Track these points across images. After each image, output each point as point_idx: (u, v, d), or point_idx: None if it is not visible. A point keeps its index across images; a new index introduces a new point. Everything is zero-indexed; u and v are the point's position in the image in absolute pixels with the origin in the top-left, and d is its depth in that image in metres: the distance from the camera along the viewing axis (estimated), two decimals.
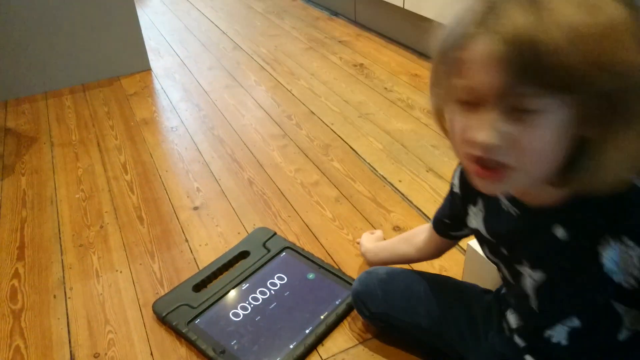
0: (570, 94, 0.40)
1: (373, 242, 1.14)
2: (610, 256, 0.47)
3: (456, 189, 0.71)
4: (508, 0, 0.41)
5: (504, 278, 0.67)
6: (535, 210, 0.54)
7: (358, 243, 1.18)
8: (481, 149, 0.46)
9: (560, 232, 0.51)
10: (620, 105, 0.41)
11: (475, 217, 0.67)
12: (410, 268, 1.07)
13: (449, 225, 0.81)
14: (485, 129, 0.45)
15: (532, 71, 0.40)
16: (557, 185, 0.48)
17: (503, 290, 0.75)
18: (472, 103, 0.46)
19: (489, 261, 0.72)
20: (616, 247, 0.47)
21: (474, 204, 0.67)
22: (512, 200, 0.57)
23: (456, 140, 0.51)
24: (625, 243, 0.46)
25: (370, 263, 1.11)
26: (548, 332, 0.58)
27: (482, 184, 0.50)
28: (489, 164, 0.47)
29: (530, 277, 0.57)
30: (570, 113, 0.42)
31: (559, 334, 0.57)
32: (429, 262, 1.18)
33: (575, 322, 0.55)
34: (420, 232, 0.96)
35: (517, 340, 0.67)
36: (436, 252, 0.94)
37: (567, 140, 0.44)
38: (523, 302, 0.60)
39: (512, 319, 0.68)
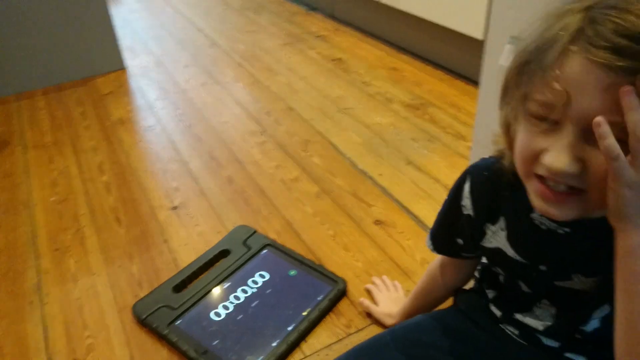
0: None
1: (393, 303, 1.01)
2: None
3: (467, 211, 0.64)
4: (604, 13, 0.40)
5: (506, 286, 0.66)
6: (587, 223, 0.52)
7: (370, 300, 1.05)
8: (556, 175, 0.44)
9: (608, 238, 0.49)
10: None
11: (494, 236, 0.63)
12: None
13: (463, 248, 0.71)
14: (564, 154, 0.43)
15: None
16: None
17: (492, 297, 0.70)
18: (548, 120, 0.44)
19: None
20: None
21: (493, 222, 0.62)
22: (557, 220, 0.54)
23: (523, 156, 0.48)
24: None
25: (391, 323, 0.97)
26: (583, 326, 0.58)
27: (545, 207, 0.48)
28: (558, 188, 0.45)
29: (580, 282, 0.56)
30: None
31: (592, 324, 0.57)
32: (410, 254, 1.18)
33: (607, 309, 0.56)
34: (434, 268, 0.84)
35: (548, 342, 0.63)
36: (460, 273, 0.79)
37: None
38: (563, 301, 0.59)
39: (534, 322, 0.63)
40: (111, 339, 1.05)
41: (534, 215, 0.57)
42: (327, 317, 1.05)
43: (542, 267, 0.59)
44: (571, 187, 0.45)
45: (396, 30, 2.29)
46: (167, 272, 1.19)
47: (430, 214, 1.30)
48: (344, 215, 1.32)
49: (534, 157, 0.47)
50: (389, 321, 0.98)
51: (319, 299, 1.07)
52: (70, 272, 1.23)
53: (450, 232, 0.70)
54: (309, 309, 1.05)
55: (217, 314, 1.06)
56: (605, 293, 0.53)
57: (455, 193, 0.67)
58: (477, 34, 1.73)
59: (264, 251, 1.21)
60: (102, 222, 1.38)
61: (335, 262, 1.18)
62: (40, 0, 2.03)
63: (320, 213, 1.34)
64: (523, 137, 0.48)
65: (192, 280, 1.15)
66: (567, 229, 0.55)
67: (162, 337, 1.02)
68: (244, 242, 1.23)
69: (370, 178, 1.45)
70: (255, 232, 1.26)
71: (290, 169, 1.53)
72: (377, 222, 1.29)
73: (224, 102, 1.96)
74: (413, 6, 2.02)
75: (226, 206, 1.39)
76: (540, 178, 0.47)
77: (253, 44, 2.48)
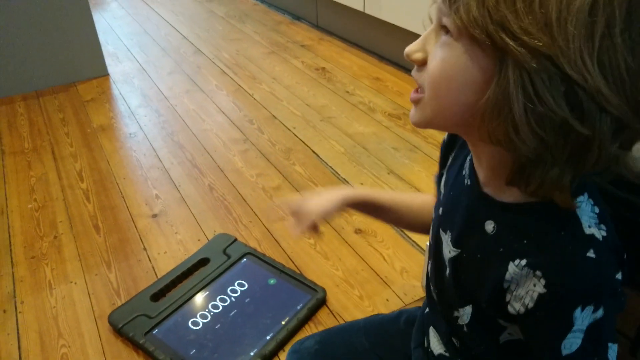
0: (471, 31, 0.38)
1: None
2: (516, 278, 0.44)
3: (446, 137, 0.62)
4: None
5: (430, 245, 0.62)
6: (482, 195, 0.50)
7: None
8: (406, 57, 0.45)
9: (489, 226, 0.48)
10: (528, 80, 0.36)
11: (447, 168, 0.61)
12: (343, 322, 1.00)
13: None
14: (415, 42, 0.44)
15: None
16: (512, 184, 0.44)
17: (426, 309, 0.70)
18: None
19: None
20: (526, 275, 0.44)
21: (452, 150, 0.61)
22: (472, 169, 0.52)
23: None
24: (536, 276, 0.43)
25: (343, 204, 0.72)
26: (456, 313, 0.56)
27: (411, 110, 0.48)
28: (416, 87, 0.46)
29: (447, 245, 0.54)
30: (486, 61, 0.38)
31: (462, 318, 0.55)
32: (390, 263, 1.19)
33: (467, 314, 0.53)
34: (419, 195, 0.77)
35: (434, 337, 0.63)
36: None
37: (480, 93, 0.39)
38: (440, 270, 0.57)
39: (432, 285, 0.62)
40: (86, 348, 1.03)
41: (466, 164, 0.54)
42: (306, 326, 1.05)
43: (439, 211, 0.58)
44: (421, 88, 0.45)
45: (380, 40, 2.31)
46: (146, 281, 1.18)
47: None
48: (324, 224, 1.32)
49: None
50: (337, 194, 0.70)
51: (298, 307, 1.07)
52: (47, 280, 1.21)
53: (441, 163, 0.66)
54: (287, 318, 1.04)
55: (195, 323, 1.05)
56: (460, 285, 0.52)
57: None
58: None
59: (244, 260, 1.20)
60: (80, 229, 1.36)
61: (315, 271, 1.18)
62: (21, 5, 2.01)
63: None
64: None
65: (170, 289, 1.14)
66: (469, 181, 0.52)
67: (138, 347, 1.01)
68: (224, 251, 1.22)
69: (352, 187, 1.46)
70: (235, 240, 1.26)
71: (272, 177, 1.53)
72: (358, 231, 1.29)
73: (207, 110, 1.96)
74: (396, 17, 2.04)
75: (207, 214, 1.39)
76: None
77: (237, 52, 2.49)
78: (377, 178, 1.49)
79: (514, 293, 0.45)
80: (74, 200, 1.48)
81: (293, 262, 1.21)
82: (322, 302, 1.09)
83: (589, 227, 0.43)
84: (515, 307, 0.45)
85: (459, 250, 0.53)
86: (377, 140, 1.68)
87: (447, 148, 0.61)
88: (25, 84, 2.15)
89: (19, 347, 1.04)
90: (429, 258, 0.62)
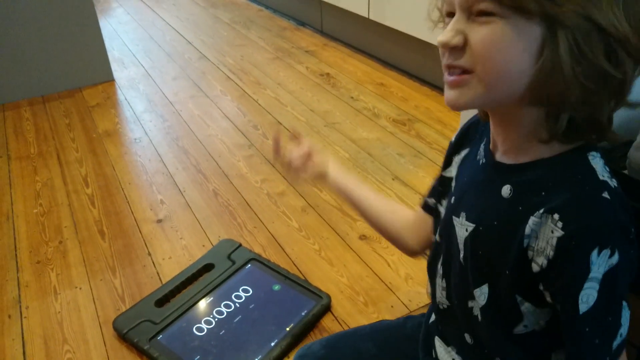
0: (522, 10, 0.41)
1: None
2: (535, 228, 0.47)
3: (453, 139, 0.65)
4: None
5: (436, 247, 0.63)
6: (497, 164, 0.53)
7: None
8: (441, 50, 0.47)
9: (506, 190, 0.50)
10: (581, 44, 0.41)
11: (454, 167, 0.64)
12: (347, 328, 0.95)
13: (435, 191, 0.68)
14: (447, 30, 0.46)
15: None
16: (544, 140, 0.47)
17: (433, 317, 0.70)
18: (450, 14, 0.47)
19: None
20: (544, 222, 0.46)
21: (458, 152, 0.63)
22: (487, 149, 0.55)
23: (440, 54, 0.50)
24: (554, 219, 0.45)
25: (327, 182, 0.78)
26: (470, 303, 0.56)
27: (447, 95, 0.49)
28: (454, 72, 0.47)
29: (462, 227, 0.55)
30: (535, 31, 0.42)
31: (475, 307, 0.56)
32: (394, 270, 1.19)
33: (484, 295, 0.54)
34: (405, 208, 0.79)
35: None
36: (413, 233, 0.74)
37: (532, 59, 0.43)
38: (454, 260, 0.58)
39: (439, 288, 0.62)
40: (91, 354, 1.03)
41: (480, 150, 0.57)
42: (311, 332, 1.05)
43: (451, 200, 0.59)
44: (462, 69, 0.47)
45: (384, 46, 2.32)
46: (150, 286, 1.18)
47: None
48: (329, 229, 1.32)
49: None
50: (328, 174, 0.77)
51: (302, 314, 1.06)
52: (52, 285, 1.21)
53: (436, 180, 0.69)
54: (292, 324, 1.04)
55: (200, 329, 1.05)
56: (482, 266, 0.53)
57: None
58: None
59: (248, 265, 1.20)
60: (85, 234, 1.36)
61: (320, 277, 1.18)
62: (28, 11, 2.03)
63: (305, 227, 1.34)
64: None
65: (175, 294, 1.14)
66: (484, 159, 0.55)
67: (143, 352, 1.01)
68: (229, 256, 1.22)
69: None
70: (240, 246, 1.26)
71: (277, 183, 1.53)
72: (362, 237, 1.29)
73: (212, 115, 1.96)
74: (401, 23, 2.05)
75: (211, 220, 1.39)
76: (446, 69, 0.48)
77: (242, 57, 2.50)
78: (382, 184, 1.49)
79: (535, 248, 0.47)
80: (79, 205, 1.48)
81: (298, 268, 1.21)
82: (326, 309, 1.09)
83: (603, 175, 0.46)
84: (539, 261, 0.47)
85: (474, 225, 0.54)
86: (382, 145, 1.68)
87: (454, 149, 0.64)
88: (32, 89, 2.17)
89: (24, 353, 1.05)
90: (438, 255, 0.63)
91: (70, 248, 1.32)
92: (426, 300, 1.10)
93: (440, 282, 0.62)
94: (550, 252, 0.46)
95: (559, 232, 0.45)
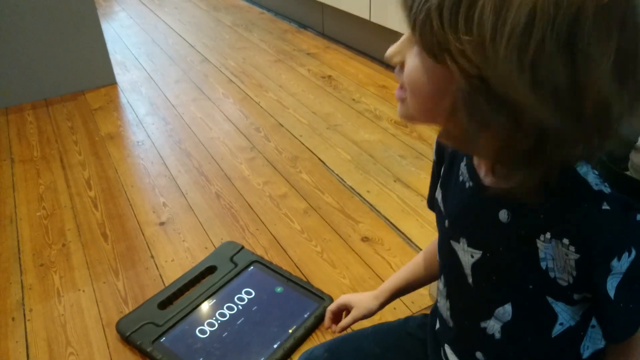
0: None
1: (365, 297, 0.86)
2: (549, 252, 0.47)
3: (434, 153, 0.64)
4: None
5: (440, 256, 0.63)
6: (486, 188, 0.51)
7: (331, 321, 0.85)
8: (387, 61, 0.48)
9: (503, 215, 0.50)
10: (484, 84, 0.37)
11: (440, 184, 0.62)
12: (350, 330, 0.95)
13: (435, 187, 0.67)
14: (392, 45, 0.47)
15: None
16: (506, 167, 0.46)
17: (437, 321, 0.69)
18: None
19: None
20: (555, 246, 0.46)
21: (441, 164, 0.61)
22: (471, 171, 0.53)
23: None
24: (564, 244, 0.45)
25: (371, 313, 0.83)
26: (483, 324, 0.57)
27: (398, 105, 0.49)
28: (400, 84, 0.47)
29: (465, 252, 0.55)
30: (440, 72, 0.40)
31: (492, 326, 0.56)
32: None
33: (508, 313, 0.53)
34: (420, 253, 0.81)
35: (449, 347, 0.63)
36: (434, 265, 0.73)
37: (442, 92, 0.41)
38: (460, 283, 0.57)
39: (444, 308, 0.62)
40: (94, 356, 1.03)
41: (462, 169, 0.55)
42: (313, 334, 1.05)
43: (446, 223, 0.58)
44: (403, 85, 0.47)
45: (385, 48, 2.31)
46: (153, 289, 1.18)
47: (417, 231, 1.30)
48: (331, 231, 1.33)
49: None
50: (374, 303, 0.81)
51: (305, 316, 1.07)
52: (55, 288, 1.21)
53: (433, 182, 0.67)
54: (295, 326, 1.04)
55: (203, 331, 1.05)
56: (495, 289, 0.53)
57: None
58: None
59: (251, 268, 1.20)
60: (88, 237, 1.37)
61: (322, 279, 1.18)
62: (31, 14, 2.04)
63: (308, 229, 1.34)
64: None
65: (177, 296, 1.14)
66: (471, 183, 0.53)
67: (146, 355, 1.01)
68: (231, 259, 1.23)
69: (358, 195, 1.46)
70: (242, 248, 1.26)
71: (279, 185, 1.53)
72: (365, 239, 1.29)
73: (214, 118, 1.97)
74: (402, 25, 2.04)
75: (214, 222, 1.39)
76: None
77: (244, 60, 2.50)
78: (384, 186, 1.49)
79: (555, 269, 0.47)
80: (82, 208, 1.49)
81: (300, 270, 1.21)
82: None
83: (596, 184, 0.45)
84: (564, 278, 0.47)
85: (481, 252, 0.54)
86: (384, 147, 1.69)
87: (437, 165, 0.63)
88: (35, 92, 2.18)
89: (27, 355, 1.05)
90: (443, 278, 0.63)
91: (74, 251, 1.32)
92: (429, 302, 1.10)
93: (444, 303, 0.62)
94: (572, 271, 0.47)
95: (574, 255, 0.45)
